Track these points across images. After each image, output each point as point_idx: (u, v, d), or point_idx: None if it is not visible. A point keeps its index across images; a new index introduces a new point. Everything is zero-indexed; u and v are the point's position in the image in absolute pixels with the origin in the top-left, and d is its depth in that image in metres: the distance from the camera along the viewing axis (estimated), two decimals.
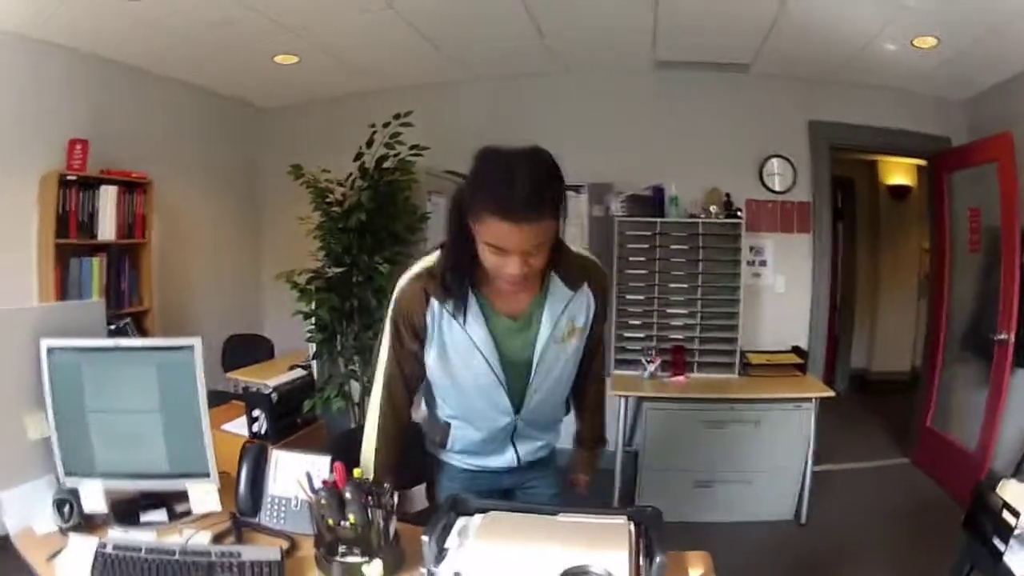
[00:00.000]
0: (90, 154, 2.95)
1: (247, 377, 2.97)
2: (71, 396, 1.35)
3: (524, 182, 1.02)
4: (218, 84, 3.74)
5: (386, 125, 2.73)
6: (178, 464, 1.38)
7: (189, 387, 1.35)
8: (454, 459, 1.40)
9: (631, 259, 3.42)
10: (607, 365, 3.42)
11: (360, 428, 1.35)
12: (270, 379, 2.56)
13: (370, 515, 1.14)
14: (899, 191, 5.31)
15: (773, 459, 3.03)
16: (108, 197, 3.02)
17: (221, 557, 1.13)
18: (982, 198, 3.34)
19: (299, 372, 2.71)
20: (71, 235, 2.88)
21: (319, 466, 1.28)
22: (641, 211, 3.42)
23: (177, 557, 1.13)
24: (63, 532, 1.27)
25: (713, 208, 3.36)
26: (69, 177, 2.86)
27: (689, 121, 3.60)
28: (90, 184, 2.95)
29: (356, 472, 1.19)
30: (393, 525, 1.17)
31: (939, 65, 3.14)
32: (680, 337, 3.35)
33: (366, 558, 1.11)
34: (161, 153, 3.40)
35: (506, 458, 1.38)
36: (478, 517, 1.14)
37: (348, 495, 1.15)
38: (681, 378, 3.22)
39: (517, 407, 1.30)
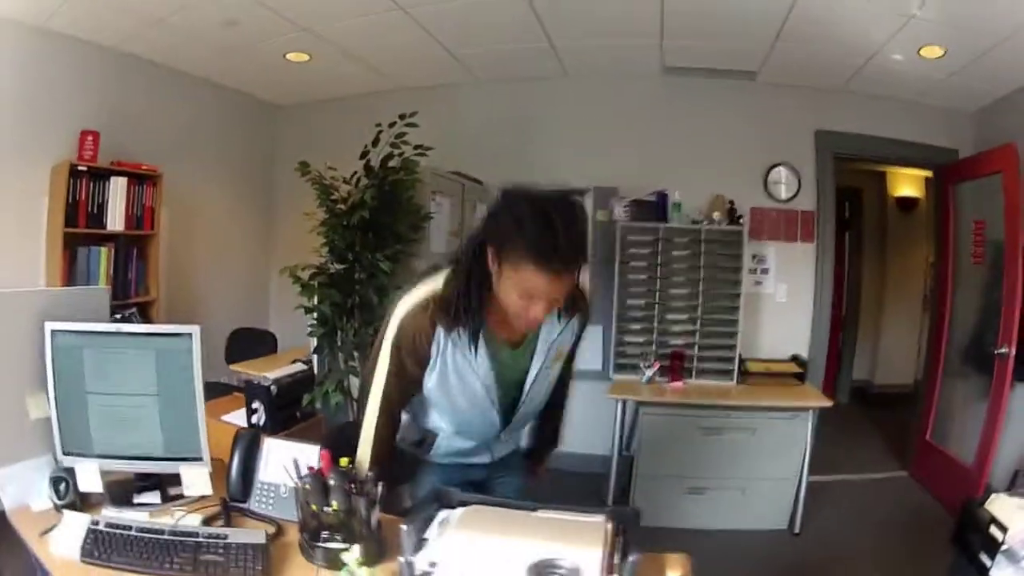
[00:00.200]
0: (101, 145, 2.99)
1: (249, 370, 2.99)
2: (72, 378, 1.39)
3: (566, 235, 1.05)
4: (231, 80, 3.78)
5: (392, 125, 2.76)
6: (172, 448, 1.41)
7: (186, 373, 1.39)
8: (432, 458, 1.44)
9: (633, 264, 3.43)
10: (608, 368, 3.47)
11: (354, 423, 1.37)
12: (271, 372, 2.59)
13: (353, 503, 1.17)
14: (907, 203, 5.29)
15: (768, 468, 3.02)
16: (118, 188, 3.05)
17: (208, 538, 1.16)
18: (987, 210, 3.33)
19: (299, 366, 2.74)
20: (80, 224, 2.92)
21: (308, 454, 1.30)
22: (644, 216, 3.42)
23: (166, 536, 1.16)
24: (58, 509, 1.31)
25: (716, 215, 3.36)
26: (80, 167, 2.89)
27: (695, 127, 3.61)
28: (100, 175, 2.99)
29: (343, 461, 1.22)
30: (376, 514, 1.19)
31: (947, 76, 3.14)
32: (680, 343, 3.36)
33: (347, 544, 1.12)
34: (172, 147, 3.44)
35: (482, 457, 1.44)
36: (460, 510, 1.16)
37: (332, 482, 1.18)
38: (679, 384, 3.22)
39: (505, 422, 1.36)
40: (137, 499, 1.40)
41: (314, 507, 1.17)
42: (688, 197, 3.43)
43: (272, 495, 1.37)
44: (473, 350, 1.22)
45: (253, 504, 1.37)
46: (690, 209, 3.43)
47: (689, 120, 3.61)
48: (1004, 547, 1.93)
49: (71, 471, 1.37)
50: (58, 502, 1.32)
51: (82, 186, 2.92)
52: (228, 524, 1.31)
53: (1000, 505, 2.41)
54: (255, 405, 2.42)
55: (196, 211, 3.67)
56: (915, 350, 5.05)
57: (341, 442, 1.37)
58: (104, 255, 3.04)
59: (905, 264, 5.29)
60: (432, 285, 1.22)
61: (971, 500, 2.59)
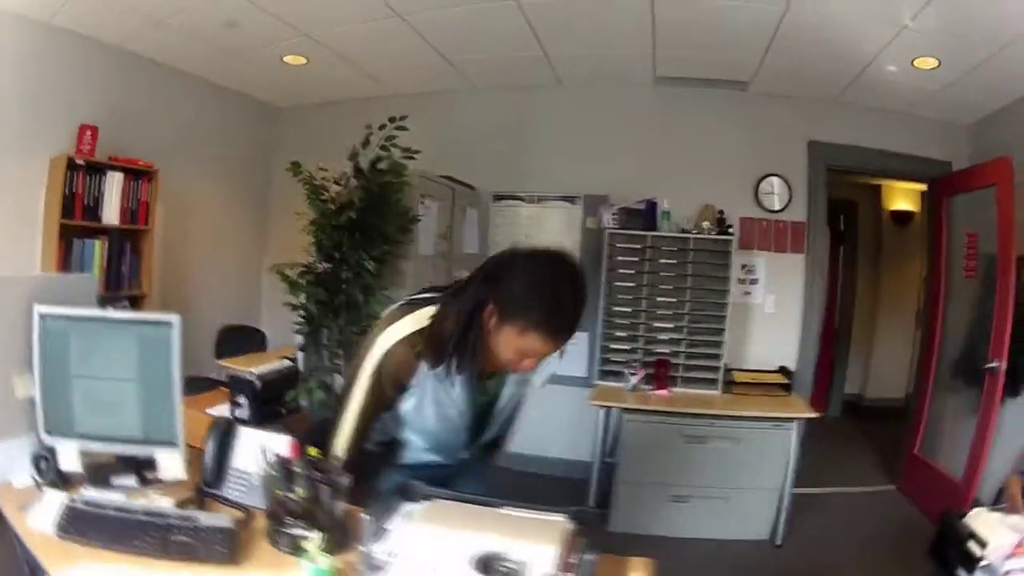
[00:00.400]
0: (100, 140, 3.04)
1: (236, 365, 3.03)
2: (58, 360, 1.43)
3: (572, 309, 1.12)
4: (229, 81, 3.84)
5: (382, 127, 2.80)
6: (150, 432, 1.45)
7: (166, 361, 1.42)
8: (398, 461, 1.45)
9: (621, 271, 3.44)
10: (592, 375, 3.48)
11: (331, 420, 1.39)
12: (256, 367, 2.62)
13: (317, 491, 1.19)
14: (902, 217, 5.29)
15: (752, 478, 3.02)
16: (114, 183, 3.11)
17: (179, 520, 1.19)
18: (980, 223, 3.33)
19: (285, 362, 2.77)
20: (76, 217, 2.97)
21: (279, 443, 1.33)
22: (633, 224, 3.44)
23: (139, 516, 1.19)
24: (39, 487, 1.34)
25: (706, 224, 3.37)
26: (77, 161, 2.95)
27: (687, 137, 3.63)
28: (98, 169, 3.04)
29: (311, 451, 1.24)
30: (340, 504, 1.21)
31: (941, 88, 3.15)
32: (666, 351, 3.36)
33: (310, 532, 1.14)
34: (170, 144, 3.49)
35: (447, 461, 1.45)
36: (423, 503, 1.18)
37: (297, 469, 1.20)
38: (664, 392, 3.22)
39: (473, 439, 1.41)
40: (115, 481, 1.43)
41: (279, 493, 1.20)
42: (678, 206, 3.45)
43: (244, 483, 1.39)
44: (451, 382, 1.25)
45: (226, 491, 1.40)
46: (680, 218, 3.44)
47: (681, 129, 3.64)
48: (984, 562, 1.91)
49: (53, 450, 1.41)
50: (39, 480, 1.36)
51: (79, 179, 2.98)
52: (201, 509, 1.33)
53: (981, 520, 2.39)
54: (239, 399, 2.44)
55: (191, 208, 3.71)
56: (908, 365, 5.03)
57: (321, 437, 1.39)
58: (98, 247, 3.09)
59: (899, 278, 5.28)
60: (418, 318, 1.23)
61: (949, 512, 2.58)
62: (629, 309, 3.43)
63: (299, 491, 1.18)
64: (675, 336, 3.38)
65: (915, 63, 2.90)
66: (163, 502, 1.32)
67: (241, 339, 3.55)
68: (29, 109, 2.87)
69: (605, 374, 3.41)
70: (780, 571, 2.83)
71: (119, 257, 3.18)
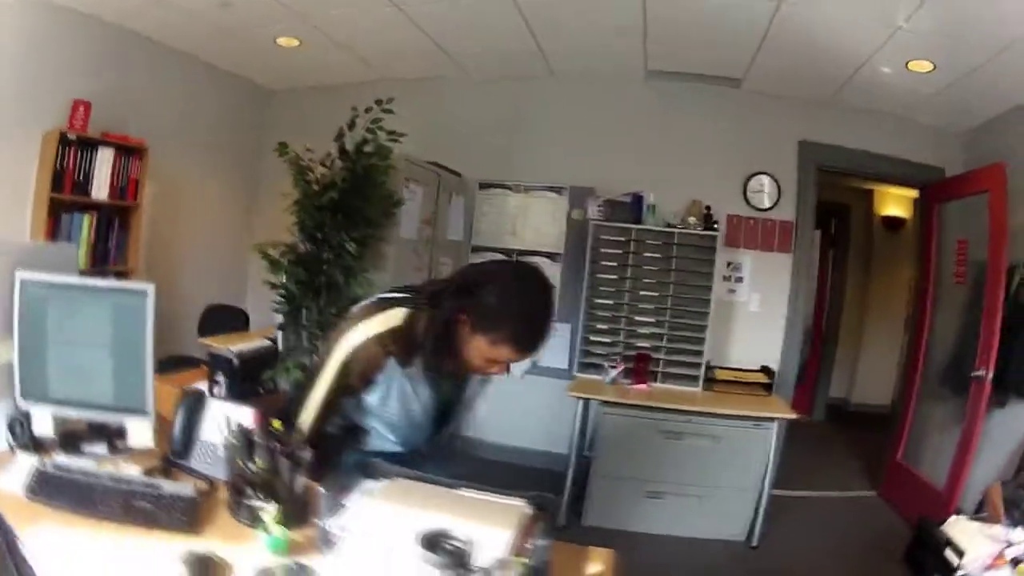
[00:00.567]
0: (93, 117, 3.04)
1: (217, 343, 3.04)
2: (36, 326, 1.44)
3: (542, 324, 1.21)
4: (224, 62, 3.83)
5: (368, 110, 2.81)
6: (121, 400, 1.46)
7: (140, 329, 1.43)
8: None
9: (604, 263, 3.44)
10: (572, 367, 3.49)
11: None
12: (235, 345, 2.64)
13: (277, 463, 1.19)
14: (894, 223, 5.27)
15: (730, 477, 3.01)
16: (105, 159, 3.11)
17: (142, 487, 1.21)
18: (971, 230, 3.30)
19: (264, 341, 2.79)
20: (65, 191, 2.97)
21: (245, 415, 1.35)
22: (618, 217, 3.43)
23: (104, 482, 1.22)
24: (12, 450, 1.37)
25: (692, 219, 3.36)
26: (69, 136, 2.96)
27: (677, 132, 3.62)
28: (89, 144, 3.04)
29: (275, 424, 1.24)
30: (301, 479, 1.22)
31: (936, 93, 3.12)
32: (647, 345, 3.35)
33: (268, 504, 1.14)
34: (163, 122, 3.49)
35: (407, 452, 1.47)
36: (384, 482, 1.19)
37: (257, 439, 1.21)
38: (643, 386, 3.22)
39: (437, 432, 1.46)
40: (86, 448, 1.46)
41: (240, 462, 1.20)
42: (665, 200, 3.43)
43: (212, 454, 1.41)
44: (420, 382, 1.31)
45: (193, 462, 1.42)
46: (666, 212, 3.43)
47: (672, 125, 3.62)
48: (961, 572, 1.90)
49: (28, 415, 1.43)
50: (12, 444, 1.39)
51: (70, 154, 2.98)
52: (167, 478, 1.35)
53: (960, 527, 2.37)
54: (217, 377, 2.46)
55: (181, 187, 3.72)
56: (894, 371, 5.02)
57: (286, 415, 1.40)
58: (87, 222, 3.09)
59: (889, 284, 5.26)
60: (389, 318, 1.27)
61: (926, 518, 2.57)
62: (611, 302, 3.42)
63: (259, 462, 1.19)
64: (657, 331, 3.37)
65: (909, 66, 2.88)
66: (130, 470, 1.34)
67: (225, 318, 3.56)
68: (27, 85, 2.87)
69: (585, 366, 3.40)
70: (755, 572, 2.82)
71: (107, 232, 3.19)
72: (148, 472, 1.34)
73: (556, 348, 3.62)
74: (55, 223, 2.98)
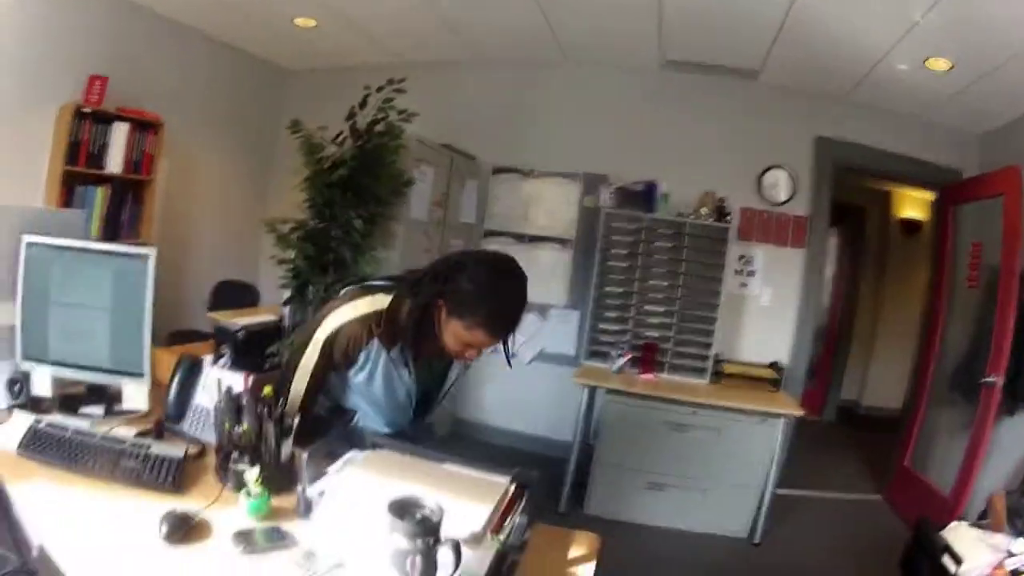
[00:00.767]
0: (109, 91, 3.06)
1: (225, 318, 3.07)
2: (39, 288, 1.48)
3: (513, 309, 1.27)
4: (242, 41, 3.85)
5: (379, 89, 2.80)
6: (119, 362, 1.49)
7: (140, 292, 1.46)
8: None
9: (615, 251, 3.41)
10: (580, 354, 3.47)
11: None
12: (241, 319, 2.65)
13: (263, 427, 1.20)
14: (911, 226, 5.18)
15: (733, 472, 2.97)
16: (120, 133, 3.13)
17: (132, 447, 1.23)
18: (986, 233, 3.24)
19: (271, 316, 2.81)
20: (80, 164, 3.00)
21: (234, 378, 1.37)
22: (630, 205, 3.40)
23: (96, 441, 1.24)
24: (10, 409, 1.40)
25: (704, 210, 3.32)
26: (85, 109, 2.98)
27: (692, 123, 3.58)
28: (104, 118, 3.06)
29: (266, 390, 1.25)
30: (288, 445, 1.23)
31: (955, 93, 3.06)
32: (655, 335, 3.32)
33: (252, 467, 1.14)
34: (180, 99, 3.51)
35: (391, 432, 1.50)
36: (368, 451, 1.19)
37: (245, 403, 1.22)
38: (650, 376, 3.19)
39: (419, 415, 1.51)
40: (83, 410, 1.48)
41: (227, 425, 1.21)
42: (678, 191, 3.40)
43: (205, 419, 1.42)
44: (403, 364, 1.37)
45: (186, 426, 1.43)
46: (679, 203, 3.39)
47: (687, 115, 3.58)
48: None
49: (27, 375, 1.46)
50: (12, 402, 1.41)
51: (85, 127, 3.00)
52: (159, 440, 1.36)
53: (959, 534, 2.31)
54: (222, 349, 2.47)
55: (195, 163, 3.74)
56: (907, 375, 4.93)
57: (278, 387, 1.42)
58: (100, 194, 3.12)
59: (904, 288, 5.17)
60: (373, 301, 1.34)
61: (925, 521, 2.52)
62: (621, 290, 3.40)
63: (246, 425, 1.21)
64: (666, 321, 3.33)
65: (927, 63, 2.82)
66: (123, 431, 1.36)
67: (236, 294, 3.60)
68: (45, 60, 2.90)
69: (593, 354, 3.37)
70: (755, 570, 2.78)
71: (120, 205, 3.22)
72: (141, 434, 1.36)
73: (564, 334, 3.61)
74: (68, 195, 3.01)
